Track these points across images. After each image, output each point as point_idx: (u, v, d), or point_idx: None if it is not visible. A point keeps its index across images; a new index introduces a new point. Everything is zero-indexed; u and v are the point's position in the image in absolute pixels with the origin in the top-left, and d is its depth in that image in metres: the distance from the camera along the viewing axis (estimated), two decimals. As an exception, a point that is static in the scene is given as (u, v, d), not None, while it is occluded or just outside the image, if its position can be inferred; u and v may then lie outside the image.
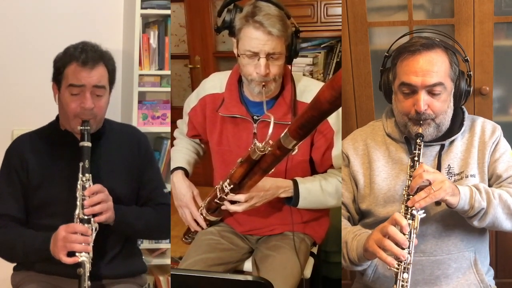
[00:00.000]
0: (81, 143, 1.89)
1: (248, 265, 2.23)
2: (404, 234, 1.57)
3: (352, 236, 1.72)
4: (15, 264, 2.06)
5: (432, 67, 1.69)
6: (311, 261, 2.26)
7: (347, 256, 1.73)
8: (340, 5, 3.67)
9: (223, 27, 1.95)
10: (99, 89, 1.93)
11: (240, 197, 1.89)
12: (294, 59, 1.99)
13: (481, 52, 2.36)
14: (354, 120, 2.58)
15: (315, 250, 2.32)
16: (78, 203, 1.84)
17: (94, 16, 2.79)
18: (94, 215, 1.85)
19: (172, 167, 2.25)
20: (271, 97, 2.02)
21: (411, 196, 1.63)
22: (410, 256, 1.57)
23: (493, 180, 1.79)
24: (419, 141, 1.71)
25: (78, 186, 1.85)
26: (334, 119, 2.02)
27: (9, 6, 2.70)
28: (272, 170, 1.76)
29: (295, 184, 2.01)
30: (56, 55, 1.98)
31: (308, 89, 2.03)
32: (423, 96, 1.70)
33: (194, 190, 2.13)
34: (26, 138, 2.06)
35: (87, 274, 1.79)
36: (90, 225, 1.84)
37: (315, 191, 2.02)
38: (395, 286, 1.57)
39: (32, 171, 1.98)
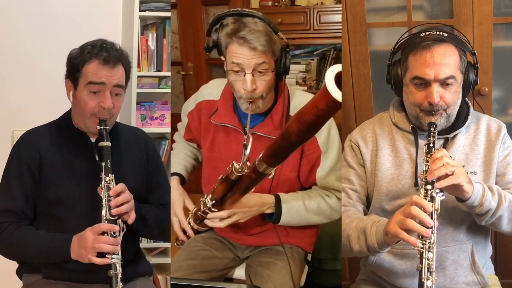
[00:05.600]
0: (101, 143, 1.85)
1: (238, 273, 2.23)
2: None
3: (371, 222, 1.72)
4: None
5: (445, 61, 1.74)
6: (305, 269, 2.24)
7: (365, 243, 1.72)
8: (334, 12, 3.73)
9: (211, 46, 1.96)
10: (118, 88, 1.91)
11: (222, 213, 1.88)
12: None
13: (480, 53, 2.36)
14: (354, 121, 2.58)
15: (309, 257, 2.30)
16: (104, 204, 1.80)
17: (93, 17, 2.80)
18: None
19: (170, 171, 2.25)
20: (262, 111, 2.01)
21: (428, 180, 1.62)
22: (434, 236, 1.57)
23: (502, 181, 1.82)
24: (432, 129, 1.75)
25: (102, 187, 1.81)
26: (323, 139, 2.01)
27: (9, 7, 2.70)
28: (252, 190, 1.75)
29: (277, 201, 2.00)
30: (71, 52, 1.94)
31: (302, 105, 2.00)
32: (436, 88, 1.74)
33: (186, 199, 2.12)
34: (38, 131, 2.01)
35: (119, 276, 1.76)
36: (117, 225, 1.80)
37: (298, 207, 2.01)
38: (420, 265, 1.57)
39: (46, 165, 1.93)
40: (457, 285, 1.84)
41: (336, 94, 1.28)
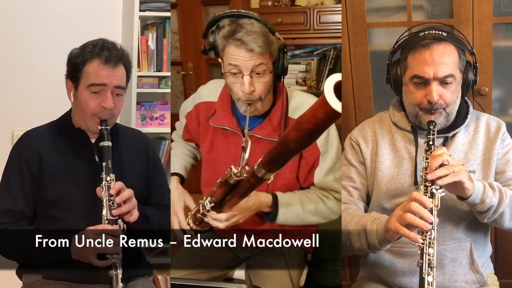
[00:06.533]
0: (102, 143, 1.85)
1: (238, 273, 2.22)
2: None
3: (372, 220, 1.73)
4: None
5: (444, 59, 1.76)
6: (305, 269, 2.23)
7: (366, 240, 1.72)
8: (334, 12, 3.72)
9: (208, 48, 1.94)
10: (119, 89, 1.90)
11: (221, 216, 1.88)
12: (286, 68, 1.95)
13: (480, 53, 2.36)
14: (353, 121, 2.58)
15: (309, 257, 2.29)
16: (104, 204, 1.80)
17: (93, 17, 2.80)
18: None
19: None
20: (261, 113, 1.99)
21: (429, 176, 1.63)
22: (434, 231, 1.58)
23: (502, 178, 1.83)
24: (432, 127, 1.76)
25: (103, 187, 1.81)
26: (322, 141, 1.99)
27: (9, 7, 2.70)
28: (251, 194, 1.74)
29: (275, 200, 2.00)
30: (72, 52, 1.93)
31: (301, 106, 1.98)
32: (436, 87, 1.76)
33: (187, 199, 2.11)
34: (38, 131, 2.00)
35: (120, 276, 1.76)
36: (117, 225, 1.80)
37: (295, 207, 2.01)
38: (421, 261, 1.58)
39: (45, 165, 1.92)
40: (456, 283, 1.84)
41: (335, 104, 1.27)
